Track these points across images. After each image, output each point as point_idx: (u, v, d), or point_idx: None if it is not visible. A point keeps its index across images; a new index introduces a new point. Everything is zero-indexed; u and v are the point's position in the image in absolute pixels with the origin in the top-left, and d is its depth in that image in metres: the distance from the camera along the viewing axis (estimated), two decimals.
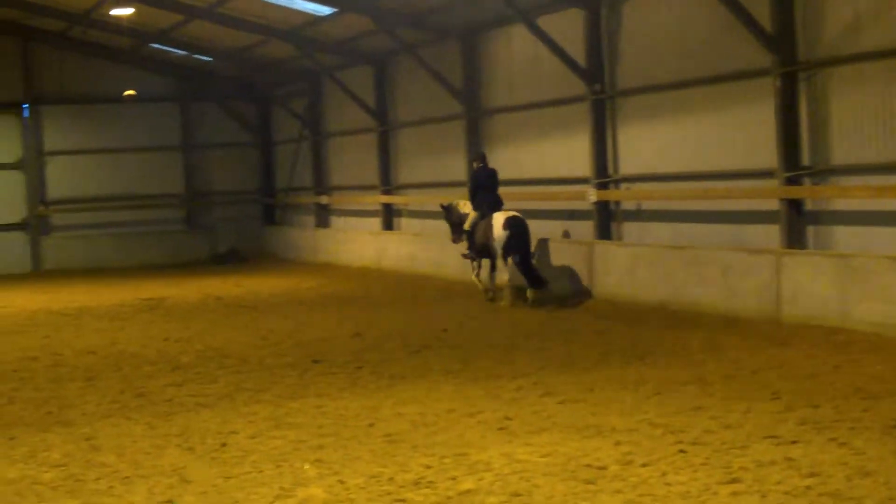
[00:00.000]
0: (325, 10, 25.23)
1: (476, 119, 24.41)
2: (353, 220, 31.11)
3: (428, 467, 8.73)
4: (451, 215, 21.49)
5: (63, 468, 9.30)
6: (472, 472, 8.48)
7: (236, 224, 35.44)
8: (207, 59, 33.15)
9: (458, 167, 25.08)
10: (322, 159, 32.79)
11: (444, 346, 15.15)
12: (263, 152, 36.37)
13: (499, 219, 19.26)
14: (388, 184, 28.75)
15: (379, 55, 28.31)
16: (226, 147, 36.00)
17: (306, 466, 8.97)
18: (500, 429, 9.94)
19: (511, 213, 19.42)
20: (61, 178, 34.07)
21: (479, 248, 19.97)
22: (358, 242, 29.36)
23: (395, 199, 28.54)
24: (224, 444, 9.83)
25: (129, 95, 29.17)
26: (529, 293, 19.10)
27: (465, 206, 20.83)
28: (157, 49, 32.92)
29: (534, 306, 18.81)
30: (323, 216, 32.70)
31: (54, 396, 12.66)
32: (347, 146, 31.28)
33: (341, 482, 8.42)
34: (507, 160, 23.43)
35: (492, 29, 23.55)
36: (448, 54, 24.89)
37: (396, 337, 16.14)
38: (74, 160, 34.15)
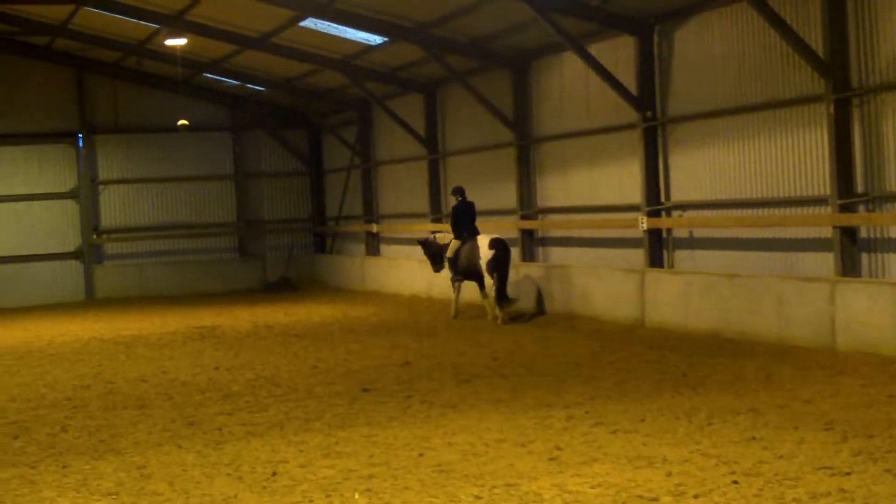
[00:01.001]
0: (376, 39, 25.39)
1: (526, 147, 24.40)
2: (402, 249, 31.13)
3: (478, 498, 8.67)
4: (429, 249, 23.43)
5: (115, 497, 9.34)
6: (522, 503, 8.41)
7: (288, 252, 35.58)
8: (259, 88, 33.42)
9: (508, 195, 25.07)
10: (372, 187, 32.90)
11: (494, 375, 15.08)
12: (314, 181, 36.56)
13: (484, 240, 21.62)
14: (437, 212, 28.78)
15: (429, 83, 28.41)
16: (277, 176, 36.26)
17: (357, 496, 8.94)
18: (551, 459, 9.86)
19: (494, 236, 21.74)
20: (114, 207, 34.46)
21: (464, 271, 22.19)
22: (407, 271, 29.37)
23: (445, 227, 28.50)
24: (274, 473, 9.83)
25: (183, 126, 29.43)
26: (499, 313, 21.26)
27: (443, 237, 23.09)
28: (210, 79, 33.25)
29: (503, 323, 21.06)
30: (373, 244, 32.77)
31: (106, 424, 12.74)
32: (397, 174, 31.37)
33: None
34: (557, 188, 23.43)
35: (542, 56, 23.56)
36: (498, 82, 24.92)
37: (446, 366, 16.09)
38: (128, 189, 34.54)
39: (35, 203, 33.61)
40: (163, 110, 34.03)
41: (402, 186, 31.09)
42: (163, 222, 34.69)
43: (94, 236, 34.09)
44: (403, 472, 9.65)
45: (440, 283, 27.04)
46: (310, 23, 25.04)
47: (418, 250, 28.90)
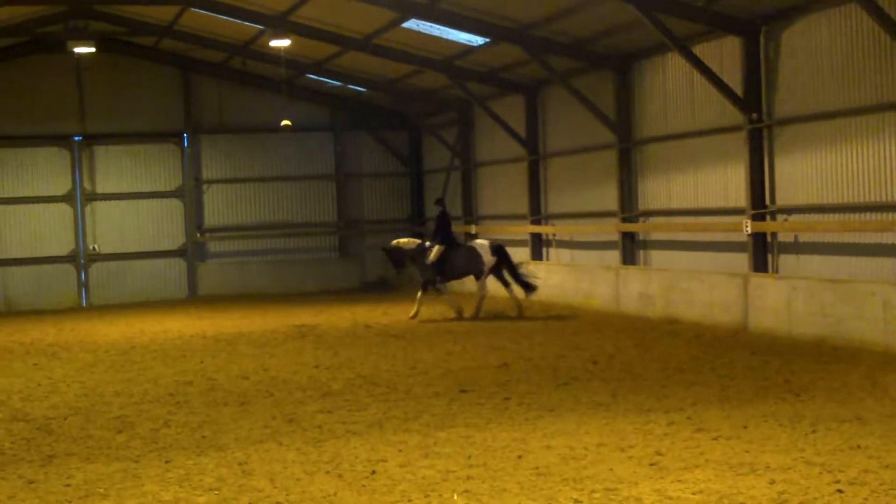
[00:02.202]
0: (478, 40, 25.40)
1: (628, 149, 24.19)
2: None
3: (577, 501, 8.61)
4: (394, 255, 24.92)
5: (216, 492, 9.44)
6: None
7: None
8: (361, 89, 33.63)
9: (608, 197, 24.89)
10: (472, 188, 32.90)
11: (593, 378, 14.96)
12: (414, 181, 36.69)
13: (484, 246, 23.84)
14: (537, 213, 28.68)
15: (530, 84, 28.33)
16: (377, 176, 36.46)
17: (455, 497, 8.93)
18: (652, 464, 9.74)
19: (487, 242, 24.09)
20: (218, 206, 34.95)
21: (455, 274, 24.18)
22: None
23: (545, 229, 28.44)
24: (373, 472, 9.86)
25: (286, 126, 29.74)
26: (518, 301, 23.58)
27: (408, 244, 24.70)
28: (313, 80, 33.55)
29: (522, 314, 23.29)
30: None
31: (208, 420, 12.90)
32: (497, 175, 31.33)
33: None
34: (659, 190, 23.19)
35: (646, 57, 23.34)
36: (601, 83, 24.75)
37: (545, 368, 16.01)
38: (230, 188, 35.01)
39: (141, 201, 34.24)
40: (266, 110, 34.41)
41: (502, 187, 31.04)
42: (264, 221, 35.08)
43: (198, 235, 34.61)
44: (502, 474, 9.62)
45: (539, 284, 26.93)
46: (412, 24, 25.13)
47: (518, 252, 28.88)
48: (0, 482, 10.18)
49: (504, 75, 28.16)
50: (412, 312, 23.95)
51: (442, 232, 24.19)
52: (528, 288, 23.61)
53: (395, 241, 25.16)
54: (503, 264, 23.71)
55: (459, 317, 23.55)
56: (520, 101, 28.95)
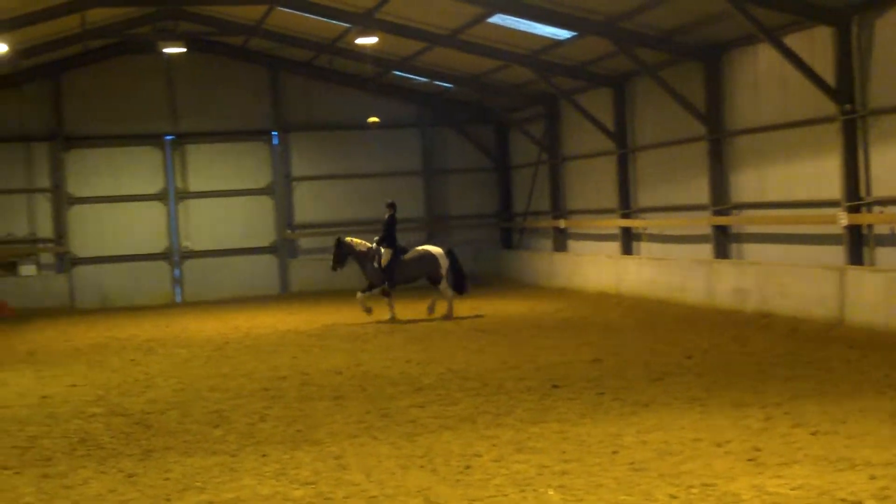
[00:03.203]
0: (564, 34, 25.27)
1: (719, 141, 23.90)
2: (590, 244, 30.93)
3: (674, 497, 8.54)
4: (342, 249, 24.63)
5: (312, 486, 9.53)
6: None
7: (475, 247, 35.77)
8: (447, 85, 33.68)
9: (700, 190, 24.61)
10: (559, 183, 32.76)
11: (687, 373, 14.82)
12: (501, 176, 36.64)
13: (437, 251, 24.39)
14: (626, 207, 28.46)
15: (618, 77, 28.13)
16: (464, 171, 36.48)
17: (550, 492, 8.91)
18: (749, 460, 9.63)
19: (438, 248, 24.61)
20: (307, 203, 35.25)
21: (404, 279, 24.32)
22: (596, 266, 29.15)
23: (634, 223, 28.23)
24: (468, 467, 9.88)
25: (373, 122, 29.89)
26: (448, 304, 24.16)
27: (360, 244, 24.50)
28: (399, 76, 33.67)
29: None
30: (560, 240, 32.64)
31: (303, 415, 13.02)
32: (585, 169, 31.17)
33: None
34: (751, 182, 22.88)
35: (736, 48, 23.04)
36: (689, 75, 24.49)
37: (637, 363, 15.90)
38: (319, 185, 35.29)
39: (232, 199, 34.69)
40: (353, 108, 34.61)
41: (590, 181, 30.87)
42: (353, 218, 35.23)
43: (288, 231, 34.94)
44: (597, 470, 9.58)
45: (629, 279, 26.82)
46: (498, 19, 25.09)
47: (607, 246, 28.73)
48: (100, 476, 10.38)
49: (591, 68, 27.99)
50: (388, 316, 24.05)
51: (385, 234, 24.40)
52: (463, 289, 24.58)
53: (347, 238, 24.98)
54: (452, 267, 24.35)
55: (368, 314, 24.04)
56: (607, 94, 28.76)
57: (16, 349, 22.16)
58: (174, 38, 31.22)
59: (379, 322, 23.70)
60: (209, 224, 34.46)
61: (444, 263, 24.22)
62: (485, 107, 35.37)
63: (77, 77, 33.50)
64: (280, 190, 34.95)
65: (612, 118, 28.57)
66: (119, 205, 33.79)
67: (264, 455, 10.85)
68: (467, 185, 36.57)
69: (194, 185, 34.45)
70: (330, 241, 34.90)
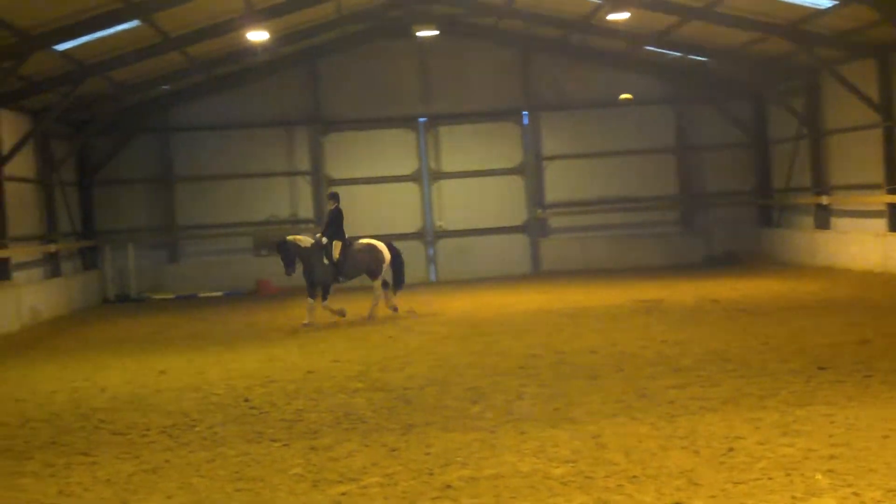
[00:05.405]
0: (825, 3, 24.31)
1: None
2: (854, 222, 29.66)
3: None
4: (288, 252, 22.69)
5: (572, 464, 9.47)
6: None
7: (731, 226, 34.93)
8: (701, 59, 32.92)
9: None
10: (821, 158, 31.52)
11: None
12: (758, 152, 35.54)
13: (382, 246, 23.34)
14: (893, 182, 27.14)
15: (882, 47, 26.82)
16: (720, 148, 35.55)
17: (818, 476, 8.60)
18: None
19: (381, 241, 23.58)
20: (558, 182, 35.22)
21: (355, 273, 23.27)
22: (861, 245, 27.95)
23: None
24: (731, 449, 9.62)
25: (626, 99, 29.54)
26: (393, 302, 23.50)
27: (304, 242, 22.89)
28: (651, 52, 33.14)
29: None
30: (822, 217, 31.40)
31: (559, 393, 12.98)
32: (848, 143, 29.89)
33: (856, 494, 8.06)
34: None
35: None
36: None
37: None
38: (570, 164, 35.18)
39: (483, 179, 35.01)
40: (604, 85, 34.32)
41: (853, 156, 29.58)
42: (604, 196, 35.05)
43: (539, 211, 35.01)
44: (867, 454, 9.18)
45: None
46: None
47: (873, 223, 27.51)
48: (364, 449, 10.62)
49: (854, 38, 26.80)
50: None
51: (335, 228, 23.00)
52: (400, 284, 23.75)
53: (290, 237, 23.30)
54: (397, 259, 23.61)
55: (342, 316, 22.87)
56: (871, 65, 27.46)
57: (280, 325, 23.02)
58: (428, 21, 31.72)
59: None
60: (461, 204, 34.91)
61: (387, 258, 23.26)
62: (740, 80, 34.40)
63: (333, 62, 34.48)
64: (531, 169, 35.04)
65: (877, 89, 27.30)
66: (374, 186, 34.65)
67: (523, 432, 10.86)
68: (722, 162, 35.63)
69: (447, 165, 34.97)
70: (582, 220, 35.09)
